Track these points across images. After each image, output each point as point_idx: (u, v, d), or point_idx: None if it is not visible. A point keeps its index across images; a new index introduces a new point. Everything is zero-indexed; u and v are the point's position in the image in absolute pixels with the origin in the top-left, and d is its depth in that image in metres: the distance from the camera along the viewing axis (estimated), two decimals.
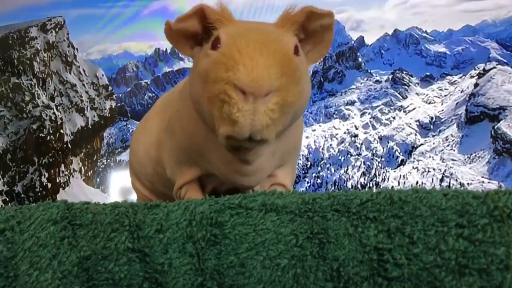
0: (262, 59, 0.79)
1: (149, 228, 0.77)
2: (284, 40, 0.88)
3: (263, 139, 0.79)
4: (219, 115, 0.80)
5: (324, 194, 0.82)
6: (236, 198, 0.82)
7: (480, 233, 0.70)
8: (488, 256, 0.68)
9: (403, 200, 0.75)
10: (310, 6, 0.94)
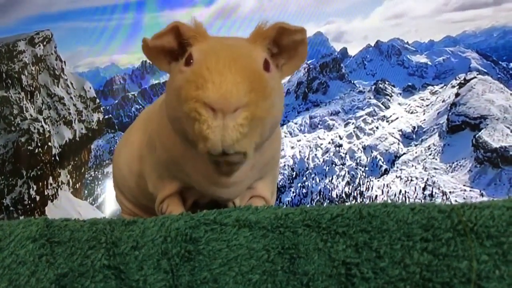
0: (231, 75, 0.82)
1: (125, 245, 0.79)
2: (253, 56, 0.90)
3: (236, 152, 0.81)
4: (193, 133, 0.83)
5: (297, 209, 0.84)
6: (211, 214, 0.83)
7: (444, 247, 0.73)
8: (452, 269, 0.71)
9: (372, 215, 0.78)
10: (281, 23, 0.97)
